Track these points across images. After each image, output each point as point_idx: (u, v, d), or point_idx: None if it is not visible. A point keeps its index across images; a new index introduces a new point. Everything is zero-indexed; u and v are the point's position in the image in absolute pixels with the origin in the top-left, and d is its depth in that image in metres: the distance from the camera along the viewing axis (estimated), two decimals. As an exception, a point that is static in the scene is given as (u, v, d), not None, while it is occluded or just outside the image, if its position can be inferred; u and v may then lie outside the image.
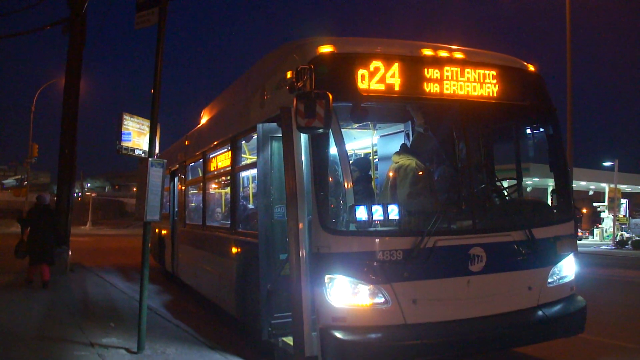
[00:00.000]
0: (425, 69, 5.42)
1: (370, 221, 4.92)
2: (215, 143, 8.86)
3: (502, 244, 5.45)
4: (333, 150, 5.12)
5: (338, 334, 4.81)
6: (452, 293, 5.20)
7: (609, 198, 41.24)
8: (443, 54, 5.63)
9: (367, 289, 4.91)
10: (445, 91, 5.47)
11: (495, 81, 5.73)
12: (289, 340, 5.67)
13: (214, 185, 10.05)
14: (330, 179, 5.17)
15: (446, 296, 5.18)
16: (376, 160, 8.07)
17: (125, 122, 24.57)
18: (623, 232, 40.33)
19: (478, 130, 6.42)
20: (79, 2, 14.76)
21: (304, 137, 5.21)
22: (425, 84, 5.41)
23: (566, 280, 5.88)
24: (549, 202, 6.45)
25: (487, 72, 5.71)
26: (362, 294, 4.92)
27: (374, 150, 8.19)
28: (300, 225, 5.11)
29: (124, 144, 24.41)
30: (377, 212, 4.95)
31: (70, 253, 13.90)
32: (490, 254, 5.29)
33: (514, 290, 5.49)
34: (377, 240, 5.01)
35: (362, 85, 5.13)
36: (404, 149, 6.51)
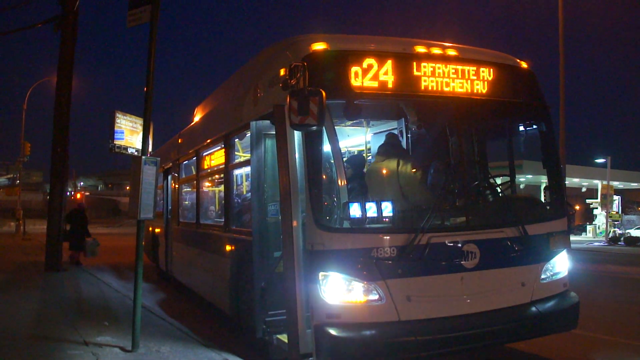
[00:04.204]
0: (419, 66, 5.43)
1: (364, 218, 4.92)
2: (208, 141, 8.85)
3: (496, 240, 5.47)
4: (326, 147, 5.12)
5: (332, 331, 4.81)
6: (446, 290, 5.21)
7: (601, 195, 41.51)
8: (436, 51, 5.64)
9: (361, 286, 4.92)
10: (438, 88, 5.48)
11: (488, 78, 5.74)
12: (284, 337, 5.67)
13: (207, 183, 10.03)
14: (324, 177, 5.17)
15: (440, 293, 5.19)
16: (369, 157, 8.07)
17: (117, 120, 24.39)
18: (616, 229, 40.54)
19: (471, 128, 6.44)
20: (70, -1, 14.68)
21: (297, 135, 5.20)
22: (418, 81, 5.41)
23: (559, 276, 5.91)
24: (542, 199, 6.48)
25: (480, 69, 5.72)
26: (356, 291, 4.92)
27: (368, 147, 8.19)
28: (294, 223, 5.11)
29: (117, 142, 24.22)
30: (371, 210, 4.96)
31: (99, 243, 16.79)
32: (484, 251, 5.31)
33: (508, 287, 5.51)
34: (371, 237, 5.01)
35: (355, 82, 5.13)
36: (385, 149, 6.46)
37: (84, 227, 16.53)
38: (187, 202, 11.54)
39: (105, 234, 38.81)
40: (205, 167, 9.33)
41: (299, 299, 5.04)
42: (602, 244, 35.89)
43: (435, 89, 5.47)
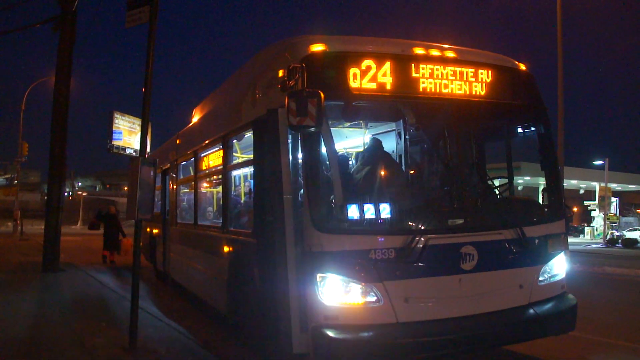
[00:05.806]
0: (417, 68, 5.42)
1: (362, 220, 4.92)
2: (206, 142, 8.83)
3: (494, 242, 5.47)
4: (324, 149, 5.12)
5: (330, 333, 4.80)
6: (444, 291, 5.21)
7: (599, 197, 41.56)
8: (435, 52, 5.64)
9: (359, 287, 4.91)
10: (436, 90, 5.47)
11: (486, 80, 5.74)
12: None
13: (205, 184, 10.01)
14: (322, 178, 5.16)
15: (438, 295, 5.18)
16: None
17: (116, 121, 24.47)
18: (613, 231, 40.55)
19: (469, 129, 6.44)
20: (69, -1, 14.67)
21: (293, 137, 5.20)
22: (416, 82, 5.41)
23: (557, 278, 5.91)
24: (540, 201, 6.48)
25: (478, 71, 5.72)
26: (354, 293, 4.91)
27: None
28: (288, 224, 5.10)
29: (115, 142, 24.30)
30: (369, 211, 4.95)
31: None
32: (482, 253, 5.31)
33: (506, 289, 5.51)
34: (370, 238, 5.00)
35: (353, 83, 5.12)
36: (371, 153, 6.44)
37: (118, 229, 18.13)
38: (185, 203, 11.52)
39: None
40: (204, 167, 9.31)
41: (292, 300, 5.04)
42: (599, 245, 35.92)
43: (433, 90, 5.46)
